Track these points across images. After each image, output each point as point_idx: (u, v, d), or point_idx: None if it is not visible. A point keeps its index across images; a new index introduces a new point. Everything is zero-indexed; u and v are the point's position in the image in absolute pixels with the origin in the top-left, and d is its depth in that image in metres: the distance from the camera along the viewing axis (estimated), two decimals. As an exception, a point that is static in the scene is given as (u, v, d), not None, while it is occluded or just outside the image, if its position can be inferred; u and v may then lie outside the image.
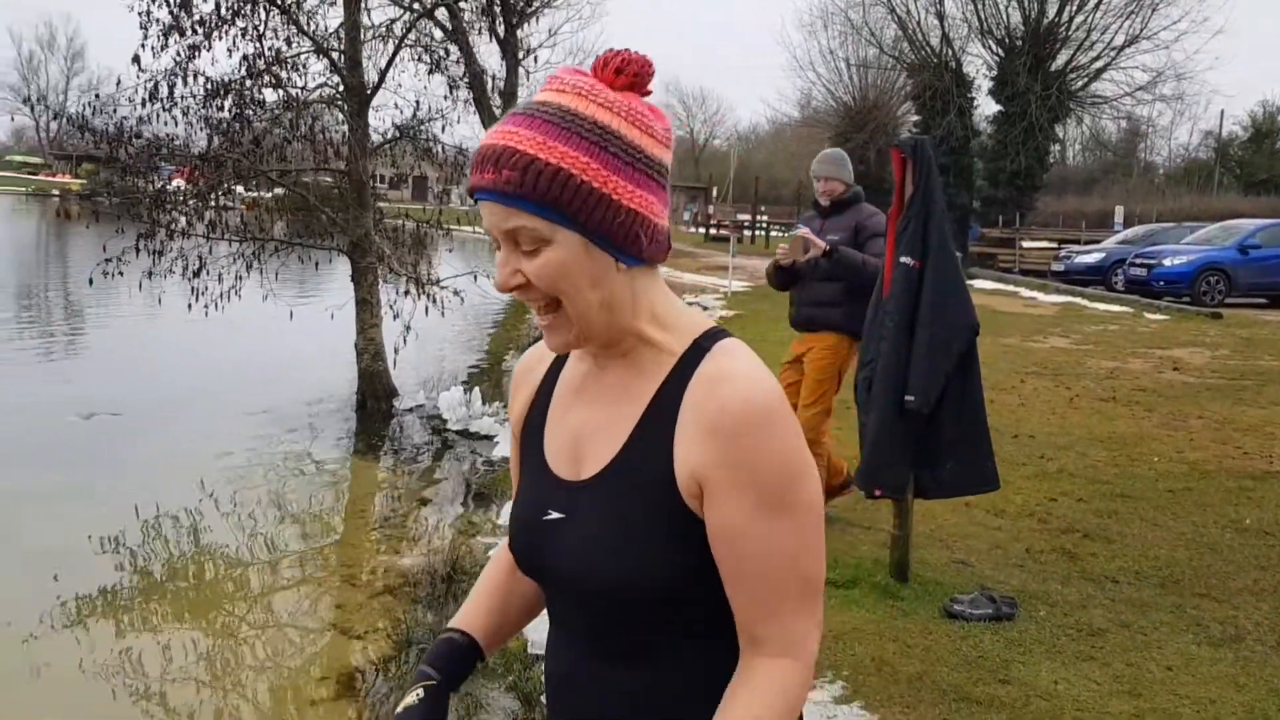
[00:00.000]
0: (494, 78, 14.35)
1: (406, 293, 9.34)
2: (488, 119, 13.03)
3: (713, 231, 38.39)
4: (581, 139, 1.12)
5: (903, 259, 4.32)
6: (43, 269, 25.17)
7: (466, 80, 10.80)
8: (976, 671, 3.67)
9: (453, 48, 9.61)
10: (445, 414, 9.14)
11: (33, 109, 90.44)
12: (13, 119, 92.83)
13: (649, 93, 1.20)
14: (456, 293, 9.51)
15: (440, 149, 10.23)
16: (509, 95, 21.97)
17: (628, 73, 1.17)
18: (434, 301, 9.37)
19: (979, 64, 30.72)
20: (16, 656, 4.44)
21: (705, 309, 18.02)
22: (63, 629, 4.75)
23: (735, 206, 45.81)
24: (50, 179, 70.13)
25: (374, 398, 9.58)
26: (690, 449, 1.14)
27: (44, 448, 7.90)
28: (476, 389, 9.40)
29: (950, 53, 30.07)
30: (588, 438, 1.24)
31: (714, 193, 49.18)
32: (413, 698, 1.30)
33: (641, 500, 1.17)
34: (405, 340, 9.23)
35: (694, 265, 24.72)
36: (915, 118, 32.24)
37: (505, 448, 7.94)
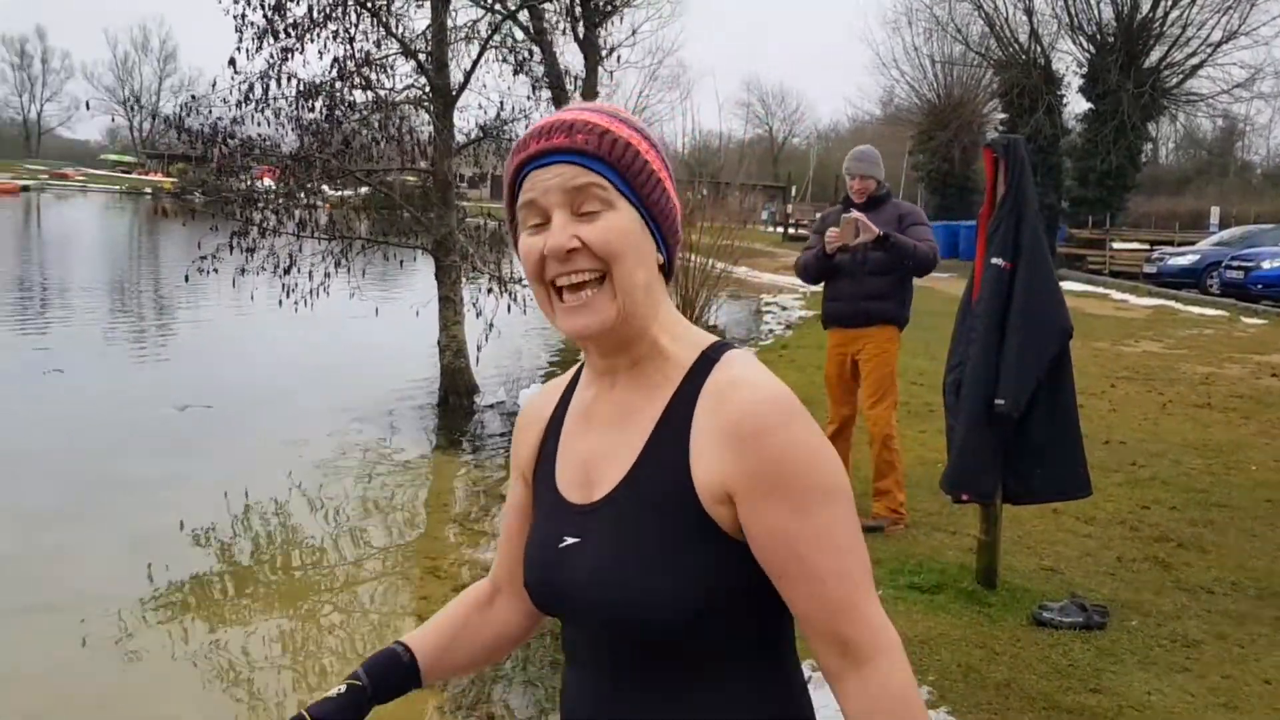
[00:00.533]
0: (575, 78, 14.39)
1: (490, 290, 9.45)
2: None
3: (791, 231, 38.14)
4: (637, 131, 1.17)
5: (994, 260, 4.24)
6: (136, 265, 26.01)
7: (548, 80, 10.89)
8: (1066, 680, 3.60)
9: (535, 48, 9.68)
10: (522, 410, 9.23)
11: (127, 109, 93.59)
12: (113, 120, 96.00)
13: None
14: (538, 291, 9.61)
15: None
16: (589, 95, 22.06)
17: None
18: (515, 299, 9.46)
19: (1069, 61, 29.97)
20: (112, 639, 4.59)
21: (784, 309, 17.92)
22: (156, 614, 4.89)
23: (814, 205, 45.50)
24: (143, 177, 72.40)
25: (455, 394, 9.71)
26: (712, 459, 1.11)
27: (143, 437, 8.18)
28: (556, 386, 9.47)
29: (1039, 49, 29.40)
30: (598, 460, 1.21)
31: (792, 191, 48.87)
32: (334, 692, 1.28)
33: (656, 515, 1.13)
34: (487, 338, 9.34)
35: (772, 265, 24.56)
36: (1001, 116, 31.61)
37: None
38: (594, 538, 1.17)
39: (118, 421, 8.65)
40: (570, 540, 1.19)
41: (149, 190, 54.10)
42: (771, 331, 15.45)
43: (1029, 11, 28.91)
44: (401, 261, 10.54)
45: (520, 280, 9.47)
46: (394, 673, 1.32)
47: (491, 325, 9.26)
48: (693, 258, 14.38)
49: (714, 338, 1.23)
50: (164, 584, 5.22)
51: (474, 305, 9.57)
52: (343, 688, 1.28)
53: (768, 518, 1.09)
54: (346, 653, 4.56)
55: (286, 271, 8.98)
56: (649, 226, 1.16)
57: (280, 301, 9.08)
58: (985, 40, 31.41)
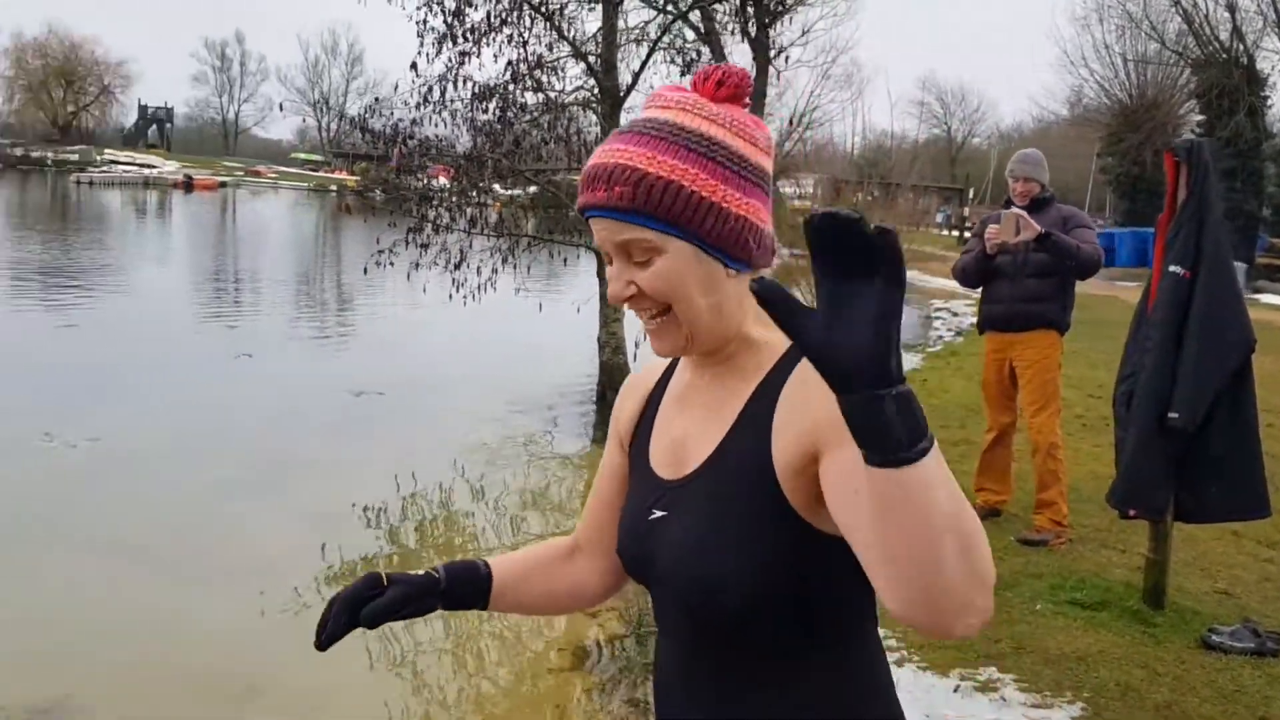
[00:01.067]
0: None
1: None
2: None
3: (966, 234, 37.12)
4: (689, 150, 1.15)
5: (1172, 268, 4.06)
6: (320, 259, 27.44)
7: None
8: (1232, 706, 3.42)
9: (704, 49, 9.75)
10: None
11: (316, 110, 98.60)
12: (303, 120, 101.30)
13: (749, 104, 1.22)
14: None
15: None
16: (758, 96, 21.96)
17: (728, 85, 1.20)
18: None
19: (1275, 60, 28.14)
20: (289, 610, 4.85)
21: (955, 314, 17.46)
22: (330, 588, 5.09)
23: (992, 208, 44.08)
24: (329, 175, 76.19)
25: (614, 389, 9.82)
26: (793, 429, 1.12)
27: (321, 420, 8.66)
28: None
29: (1241, 48, 27.64)
30: (690, 438, 1.25)
31: (970, 194, 47.47)
32: (413, 573, 1.32)
33: (737, 491, 1.16)
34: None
35: (944, 269, 23.92)
36: (1199, 117, 29.81)
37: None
38: (678, 514, 1.21)
39: (299, 404, 9.19)
40: (658, 514, 1.24)
41: (334, 187, 56.83)
42: (940, 338, 15.10)
43: (1231, 8, 27.20)
44: (565, 259, 10.80)
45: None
46: (470, 581, 1.36)
47: (652, 322, 9.39)
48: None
49: None
50: (336, 561, 5.48)
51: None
52: (421, 572, 1.32)
53: (847, 458, 1.02)
54: (504, 635, 4.69)
55: (457, 267, 9.34)
56: (709, 253, 1.16)
57: (450, 295, 9.44)
58: (1182, 38, 29.74)
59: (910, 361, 12.80)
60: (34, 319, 13.15)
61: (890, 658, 3.89)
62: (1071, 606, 4.23)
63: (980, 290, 5.37)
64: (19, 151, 71.18)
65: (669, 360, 1.36)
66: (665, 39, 9.80)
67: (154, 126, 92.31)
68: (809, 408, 1.11)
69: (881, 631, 3.99)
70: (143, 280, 18.06)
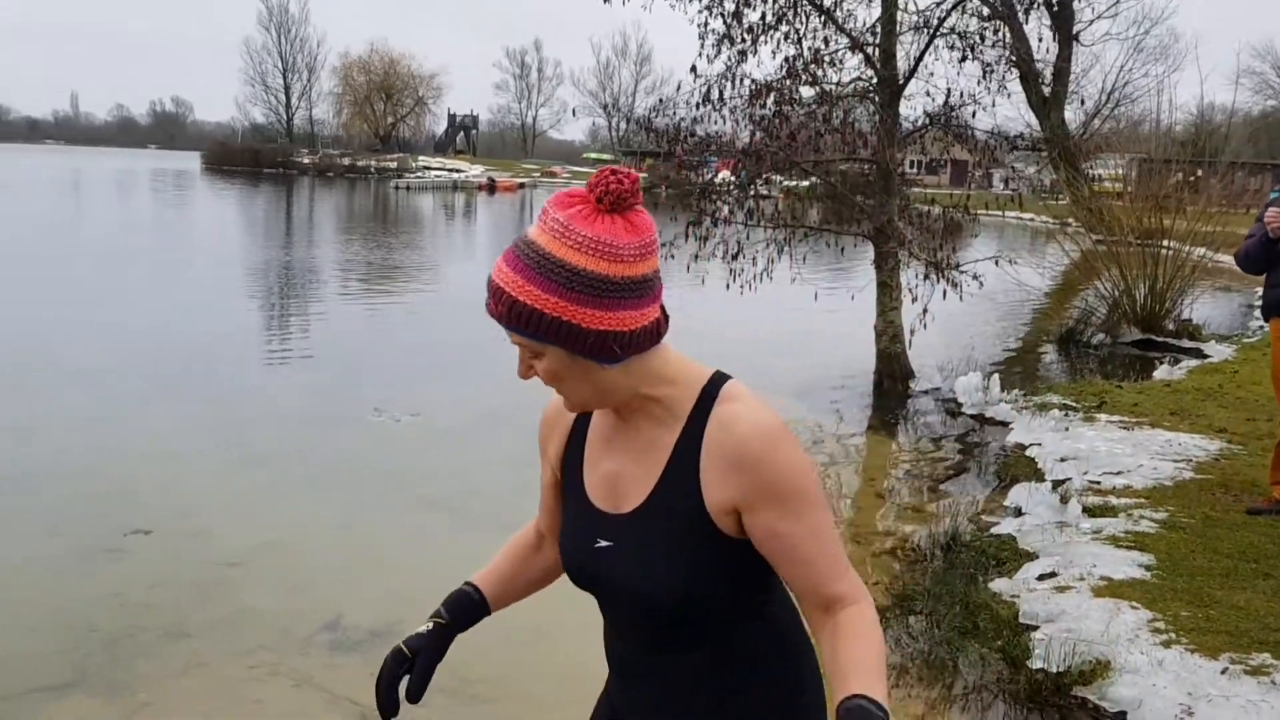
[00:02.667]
0: (1045, 52, 13.58)
1: (926, 277, 9.53)
2: (1035, 99, 12.70)
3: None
4: (551, 281, 1.37)
5: None
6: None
7: (1013, 59, 10.62)
8: None
9: (989, 32, 9.53)
10: (961, 398, 9.24)
11: (606, 111, 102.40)
12: (594, 122, 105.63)
13: (633, 205, 1.42)
14: (975, 277, 9.53)
15: (973, 134, 10.23)
16: (1061, 74, 20.56)
17: (606, 202, 1.39)
18: (954, 286, 9.46)
19: None
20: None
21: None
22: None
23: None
24: (619, 173, 78.93)
25: (890, 378, 9.92)
26: (720, 484, 1.43)
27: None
28: (995, 375, 9.38)
29: None
30: (624, 477, 1.52)
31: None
32: (423, 628, 1.65)
33: (675, 526, 1.46)
34: (925, 325, 9.43)
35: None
36: None
37: (1021, 433, 7.89)
38: (624, 545, 1.51)
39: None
40: (604, 543, 1.53)
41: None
42: (1261, 328, 13.96)
43: None
44: (843, 249, 10.90)
45: (958, 266, 9.47)
46: (468, 608, 1.71)
47: (926, 310, 9.35)
48: (1167, 243, 13.38)
49: (711, 372, 1.51)
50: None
51: (910, 291, 9.71)
52: (429, 625, 1.66)
53: (767, 523, 1.42)
54: None
55: (734, 258, 9.68)
56: (582, 357, 1.41)
57: (727, 285, 9.80)
58: None
59: (1224, 352, 11.98)
60: (362, 309, 14.75)
61: (1157, 639, 3.88)
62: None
63: (1264, 276, 5.11)
64: (346, 161, 78.86)
65: None
66: (949, 23, 9.67)
67: (461, 133, 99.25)
68: (732, 479, 1.42)
69: (1148, 615, 3.96)
70: (454, 274, 19.72)
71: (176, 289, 15.96)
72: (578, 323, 1.38)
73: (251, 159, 75.92)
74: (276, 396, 9.05)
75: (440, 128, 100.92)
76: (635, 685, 1.63)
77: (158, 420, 8.00)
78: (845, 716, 1.30)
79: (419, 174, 70.37)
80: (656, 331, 1.46)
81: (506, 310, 1.40)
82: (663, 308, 1.49)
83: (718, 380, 1.51)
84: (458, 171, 72.12)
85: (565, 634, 4.21)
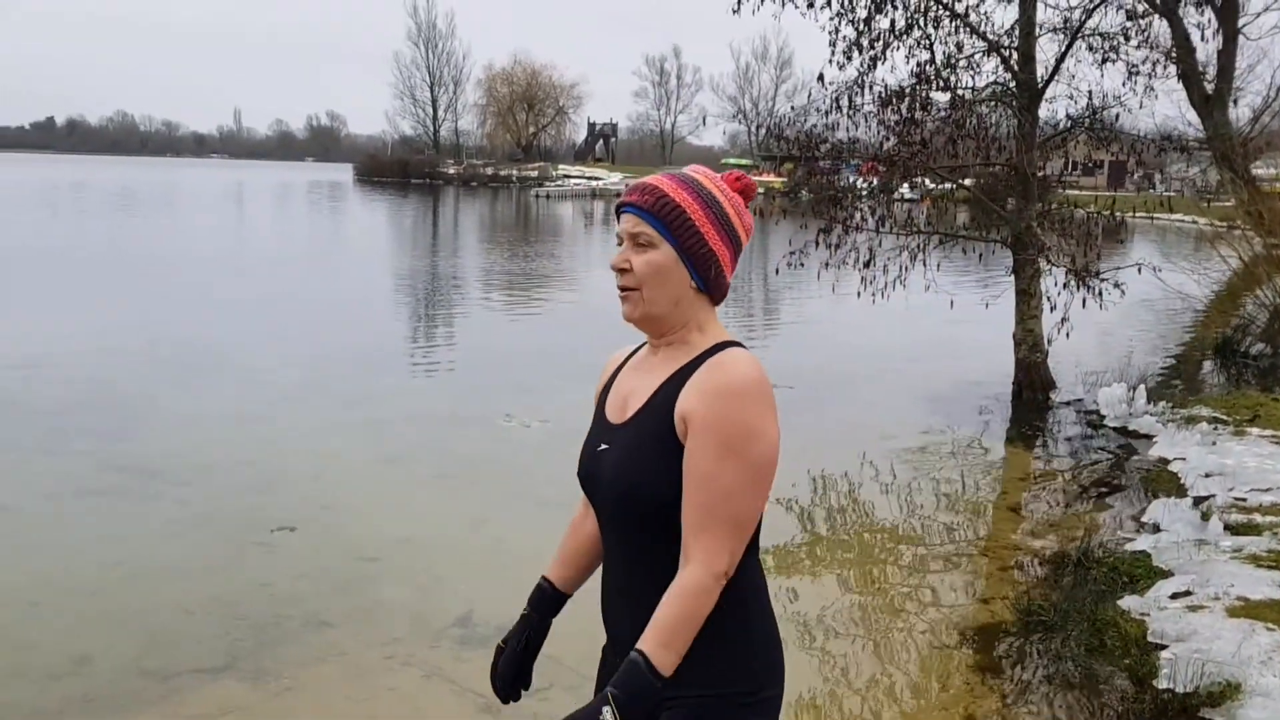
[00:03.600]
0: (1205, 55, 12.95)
1: (1066, 285, 9.25)
2: (1197, 97, 12.15)
3: None
4: (699, 198, 1.77)
5: None
6: (745, 259, 28.64)
7: (1171, 57, 10.21)
8: None
9: (1133, 31, 9.18)
10: (1104, 409, 8.94)
11: (745, 116, 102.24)
12: (724, 129, 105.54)
13: (752, 198, 1.86)
14: (1117, 285, 9.19)
15: (1118, 136, 9.89)
16: (1223, 70, 19.38)
17: (740, 184, 1.84)
18: (1096, 295, 9.15)
19: None
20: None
21: None
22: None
23: None
24: (757, 178, 78.77)
25: (1030, 388, 9.66)
26: (685, 399, 1.68)
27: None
28: (1141, 386, 9.03)
29: None
30: (633, 394, 1.80)
31: None
32: (515, 626, 1.95)
33: (651, 433, 1.72)
34: (1067, 334, 9.15)
35: None
36: None
37: (1164, 447, 7.59)
38: (616, 446, 1.78)
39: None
40: (604, 447, 1.81)
41: (762, 190, 58.82)
42: None
43: None
44: (980, 255, 10.66)
45: (1099, 274, 9.15)
46: (544, 599, 1.98)
47: (1065, 319, 9.08)
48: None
49: (735, 339, 1.80)
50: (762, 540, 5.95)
51: (1048, 299, 9.44)
52: (519, 622, 1.96)
53: (693, 445, 1.66)
54: (913, 626, 4.79)
55: (866, 265, 9.58)
56: (684, 261, 1.75)
57: (858, 293, 9.70)
58: None
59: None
60: (501, 317, 15.16)
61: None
62: None
63: None
64: (489, 170, 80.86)
65: (635, 347, 1.94)
66: (1090, 24, 9.38)
67: (600, 141, 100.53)
68: (695, 396, 1.67)
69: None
70: (591, 281, 20.04)
71: (331, 294, 16.72)
72: (704, 233, 1.75)
73: (400, 170, 78.55)
74: (417, 399, 9.40)
75: (580, 136, 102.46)
76: (612, 597, 1.85)
77: (307, 419, 8.44)
78: (622, 665, 1.61)
79: (559, 182, 71.64)
80: (726, 290, 1.84)
81: (654, 200, 1.76)
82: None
83: (732, 343, 1.78)
84: (596, 179, 73.08)
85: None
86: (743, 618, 1.73)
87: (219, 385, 9.54)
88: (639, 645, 1.61)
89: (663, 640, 1.61)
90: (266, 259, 22.75)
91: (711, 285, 1.79)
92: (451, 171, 79.92)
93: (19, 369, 9.77)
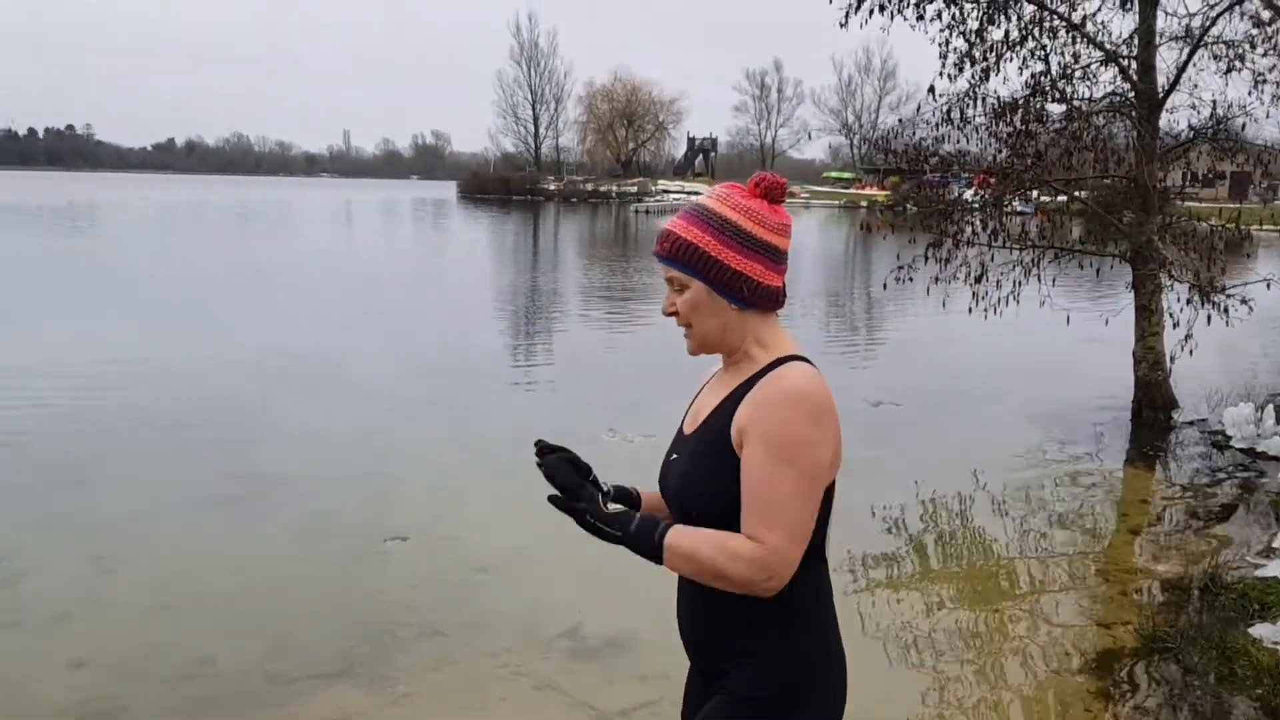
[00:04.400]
0: None
1: (1189, 300, 8.92)
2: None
3: None
4: (709, 226, 1.83)
5: None
6: (849, 274, 28.38)
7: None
8: None
9: (1259, 39, 8.82)
10: (1230, 430, 8.60)
11: (848, 129, 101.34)
12: (827, 143, 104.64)
13: (781, 200, 1.87)
14: (1244, 301, 8.83)
15: (1243, 147, 9.53)
16: None
17: (762, 187, 1.86)
18: (1221, 311, 8.81)
19: None
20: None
21: None
22: (851, 592, 5.54)
23: None
24: (860, 191, 78.02)
25: (1151, 408, 9.34)
26: (741, 413, 1.77)
27: (845, 429, 9.15)
28: (1269, 406, 8.66)
29: None
30: (703, 409, 1.90)
31: None
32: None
33: (711, 446, 1.81)
34: (1190, 351, 8.82)
35: None
36: None
37: (1294, 471, 7.28)
38: (683, 457, 1.90)
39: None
40: (674, 456, 1.94)
41: (864, 204, 58.12)
42: None
43: None
44: (1098, 270, 10.37)
45: (1224, 289, 8.80)
46: (628, 494, 2.02)
47: (1189, 336, 8.76)
48: None
49: (796, 352, 1.85)
50: (857, 556, 5.84)
51: (1171, 315, 9.12)
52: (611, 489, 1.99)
53: (749, 451, 1.74)
54: (1028, 651, 4.67)
55: (978, 280, 9.39)
56: (716, 290, 1.83)
57: (969, 309, 9.51)
58: None
59: None
60: (602, 332, 15.26)
61: None
62: None
63: None
64: (589, 186, 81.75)
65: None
66: (1214, 32, 9.05)
67: (700, 156, 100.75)
68: (750, 408, 1.76)
69: None
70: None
71: (437, 309, 17.08)
72: (721, 259, 1.82)
73: (502, 187, 79.89)
74: (522, 414, 9.52)
75: (679, 151, 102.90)
76: (681, 600, 1.95)
77: (420, 432, 8.62)
78: (659, 522, 1.79)
79: (658, 197, 72.06)
80: (776, 297, 1.87)
81: (670, 246, 1.85)
82: (784, 285, 1.89)
83: (795, 357, 1.84)
84: (696, 194, 73.07)
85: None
86: (785, 627, 1.80)
87: (335, 398, 9.81)
88: (674, 529, 1.77)
89: (685, 552, 1.75)
90: (375, 275, 23.33)
91: (752, 301, 1.84)
92: (552, 188, 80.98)
93: (151, 381, 10.22)
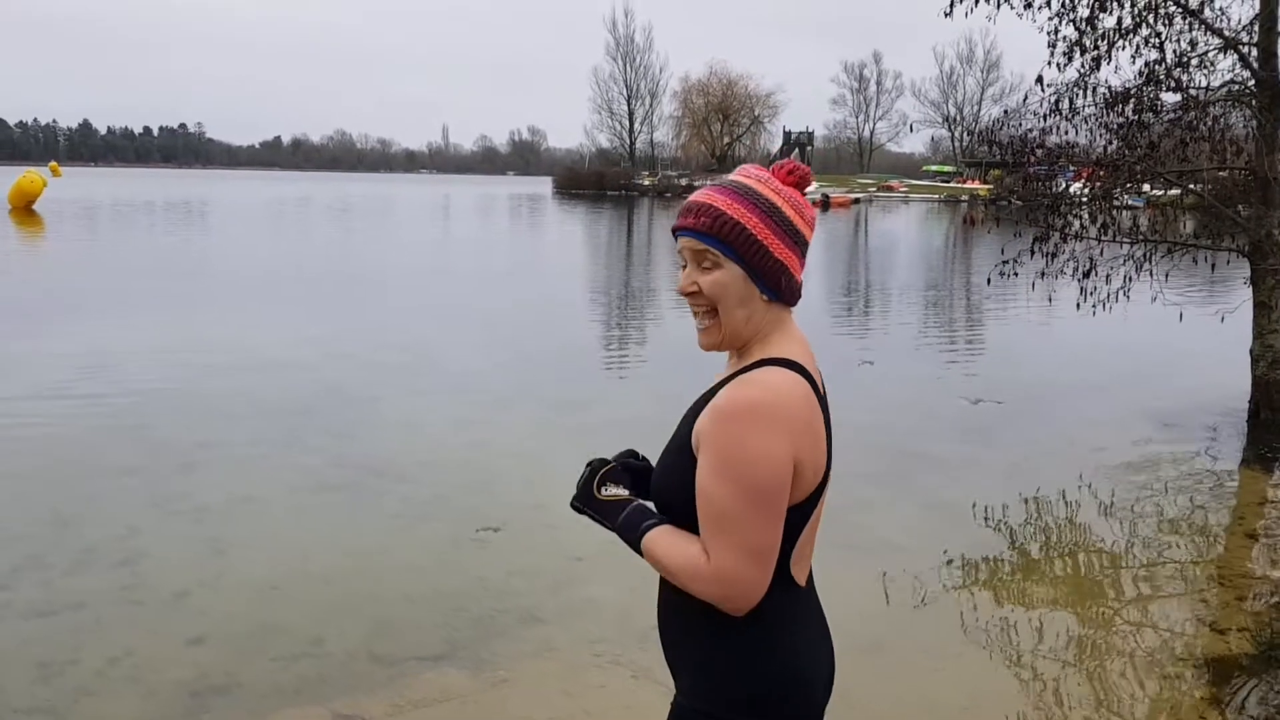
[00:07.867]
0: None
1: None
2: None
3: None
4: (757, 208, 1.67)
5: None
6: (949, 269, 27.87)
7: None
8: None
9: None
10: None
11: (949, 122, 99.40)
12: (932, 136, 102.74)
13: (807, 188, 1.76)
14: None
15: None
16: None
17: (795, 175, 1.73)
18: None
19: None
20: (915, 595, 5.26)
21: None
22: (950, 578, 5.49)
23: None
24: (961, 185, 76.48)
25: (1269, 408, 8.98)
26: (703, 415, 1.65)
27: (939, 423, 9.03)
28: (1397, 408, 8.26)
29: None
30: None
31: None
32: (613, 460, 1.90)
33: (679, 442, 1.71)
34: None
35: None
36: None
37: None
38: (664, 450, 1.78)
39: (918, 408, 9.67)
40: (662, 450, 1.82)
41: (965, 198, 56.93)
42: None
43: None
44: (1213, 265, 10.01)
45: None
46: (640, 467, 1.90)
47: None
48: None
49: (785, 356, 1.69)
50: (956, 554, 5.77)
51: (1291, 312, 8.75)
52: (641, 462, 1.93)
53: (700, 460, 1.63)
54: (1134, 654, 4.56)
55: (1086, 275, 9.14)
56: (752, 277, 1.68)
57: (1078, 305, 9.27)
58: None
59: None
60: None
61: None
62: None
63: None
64: (684, 181, 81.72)
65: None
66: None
67: (796, 150, 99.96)
68: (706, 414, 1.65)
69: None
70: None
71: (534, 302, 17.28)
72: (769, 246, 1.67)
73: (597, 182, 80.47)
74: (618, 406, 9.59)
75: (775, 145, 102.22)
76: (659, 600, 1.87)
77: (518, 423, 8.75)
78: (650, 515, 1.74)
79: (754, 192, 71.44)
80: (799, 290, 1.75)
81: (711, 221, 1.67)
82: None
83: (778, 361, 1.69)
84: (793, 190, 72.57)
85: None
86: (746, 646, 1.68)
87: (436, 389, 10.03)
88: (655, 530, 1.71)
89: (658, 557, 1.68)
90: (473, 268, 23.71)
91: (785, 295, 1.71)
92: (646, 183, 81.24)
93: (262, 371, 10.57)
